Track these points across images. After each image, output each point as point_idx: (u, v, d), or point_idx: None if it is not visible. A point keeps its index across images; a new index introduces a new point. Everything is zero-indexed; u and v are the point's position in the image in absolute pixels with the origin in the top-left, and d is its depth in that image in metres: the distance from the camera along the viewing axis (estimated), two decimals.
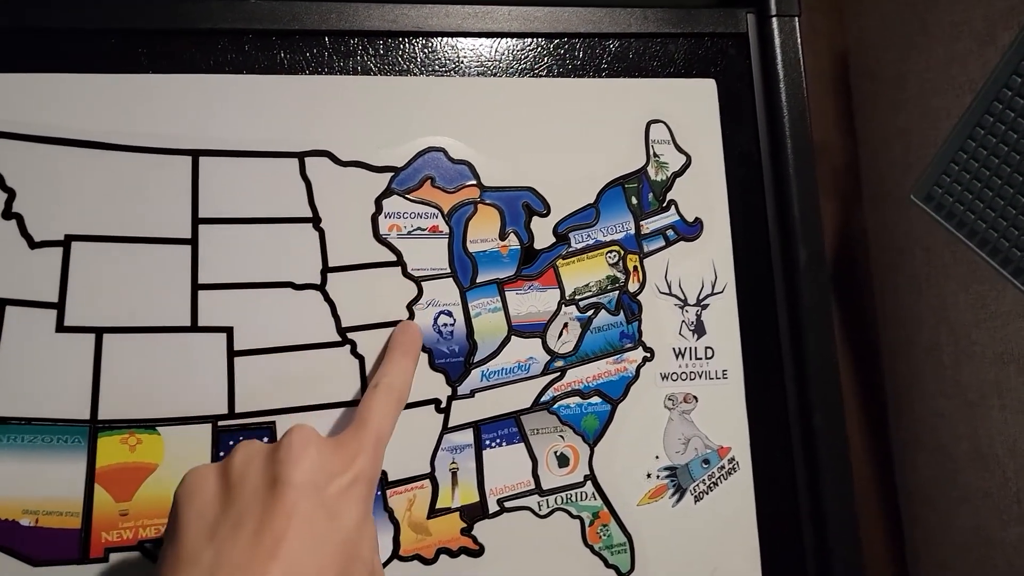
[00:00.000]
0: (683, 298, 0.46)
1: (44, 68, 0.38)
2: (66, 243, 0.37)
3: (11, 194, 0.37)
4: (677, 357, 0.46)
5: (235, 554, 0.27)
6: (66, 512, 0.37)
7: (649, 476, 0.45)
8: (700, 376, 0.46)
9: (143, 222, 0.38)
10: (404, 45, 0.44)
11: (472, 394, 0.42)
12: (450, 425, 0.42)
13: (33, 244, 0.37)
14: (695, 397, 0.46)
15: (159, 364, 0.38)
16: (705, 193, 0.47)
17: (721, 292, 0.47)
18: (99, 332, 0.37)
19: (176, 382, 0.38)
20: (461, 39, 0.44)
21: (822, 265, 0.48)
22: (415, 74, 0.44)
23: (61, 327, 0.37)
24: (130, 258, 0.38)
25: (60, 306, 0.37)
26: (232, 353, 0.39)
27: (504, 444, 0.43)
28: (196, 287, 0.39)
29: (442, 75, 0.44)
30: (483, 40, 0.45)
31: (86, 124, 0.38)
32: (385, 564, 0.40)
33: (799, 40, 0.50)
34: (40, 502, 0.37)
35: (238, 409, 0.39)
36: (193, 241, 0.39)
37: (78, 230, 0.37)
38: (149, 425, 0.38)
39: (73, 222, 0.37)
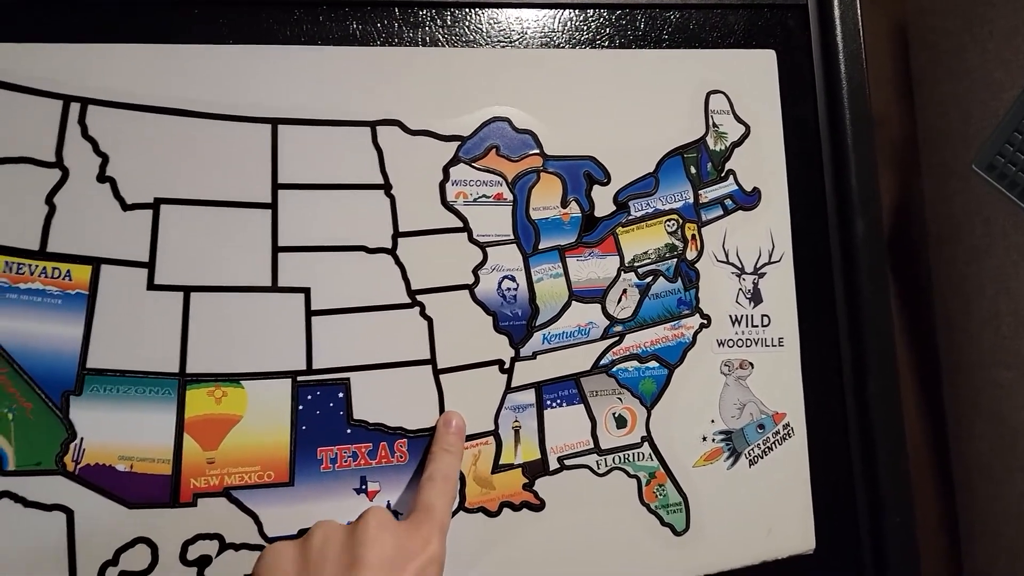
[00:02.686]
0: (740, 266, 0.47)
1: (133, 39, 0.40)
2: (155, 206, 0.39)
3: (105, 159, 0.39)
4: (733, 324, 0.47)
5: None
6: (158, 459, 0.39)
7: (704, 439, 0.46)
8: (756, 343, 0.47)
9: (227, 186, 0.40)
10: (471, 16, 0.45)
11: (534, 356, 0.44)
12: (513, 385, 0.44)
13: (125, 206, 0.39)
14: (751, 363, 0.47)
15: (242, 322, 0.40)
16: (764, 163, 0.48)
17: (778, 261, 0.48)
18: (187, 291, 0.40)
19: (258, 339, 0.40)
20: (526, 11, 0.45)
21: (879, 235, 0.48)
22: (481, 45, 0.45)
23: (152, 285, 0.39)
24: (215, 221, 0.40)
25: (151, 265, 0.39)
26: (309, 312, 0.41)
27: (564, 404, 0.44)
28: (276, 249, 0.41)
29: (507, 46, 0.45)
30: (547, 11, 0.46)
31: (173, 92, 0.40)
32: (452, 516, 0.42)
33: (859, 10, 0.50)
34: (134, 449, 0.39)
35: (315, 365, 0.41)
36: (273, 205, 0.41)
37: (166, 193, 0.40)
38: (234, 379, 0.40)
39: (162, 186, 0.39)
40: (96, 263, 0.39)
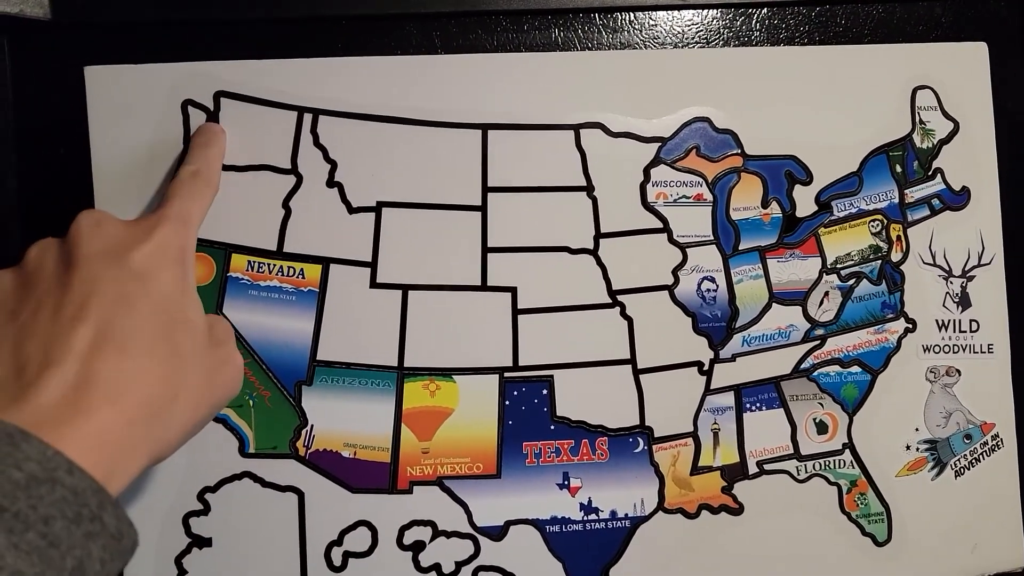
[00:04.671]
0: (947, 269, 0.45)
1: (358, 52, 0.42)
2: (378, 209, 0.42)
3: (333, 165, 0.42)
4: (940, 329, 0.45)
5: (39, 327, 0.26)
6: (378, 447, 0.42)
7: (908, 448, 0.45)
8: (964, 349, 0.45)
9: (441, 190, 0.42)
10: (668, 19, 0.45)
11: (733, 358, 0.44)
12: (712, 387, 0.43)
13: (351, 210, 0.42)
14: (958, 371, 0.45)
15: (454, 319, 0.42)
16: (973, 161, 0.46)
17: (988, 264, 0.46)
18: (405, 289, 0.42)
19: (469, 335, 0.42)
20: (723, 11, 0.45)
21: None
22: (679, 47, 0.45)
23: (374, 283, 0.42)
24: (430, 223, 0.42)
25: (373, 265, 0.42)
26: (516, 311, 0.42)
27: (764, 408, 0.44)
28: (485, 250, 0.42)
29: (705, 46, 0.45)
30: (743, 11, 0.45)
31: (393, 102, 0.42)
32: (650, 515, 0.43)
33: None
34: (357, 437, 0.42)
35: (521, 362, 0.42)
36: (483, 208, 0.42)
37: (388, 197, 0.42)
38: (447, 373, 0.42)
39: (383, 190, 0.42)
40: (326, 262, 0.41)
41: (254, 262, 0.41)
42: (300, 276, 0.41)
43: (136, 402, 0.26)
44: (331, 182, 0.42)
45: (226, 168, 0.41)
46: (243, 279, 0.41)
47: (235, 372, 0.33)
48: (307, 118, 0.41)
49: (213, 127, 0.40)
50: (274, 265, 0.41)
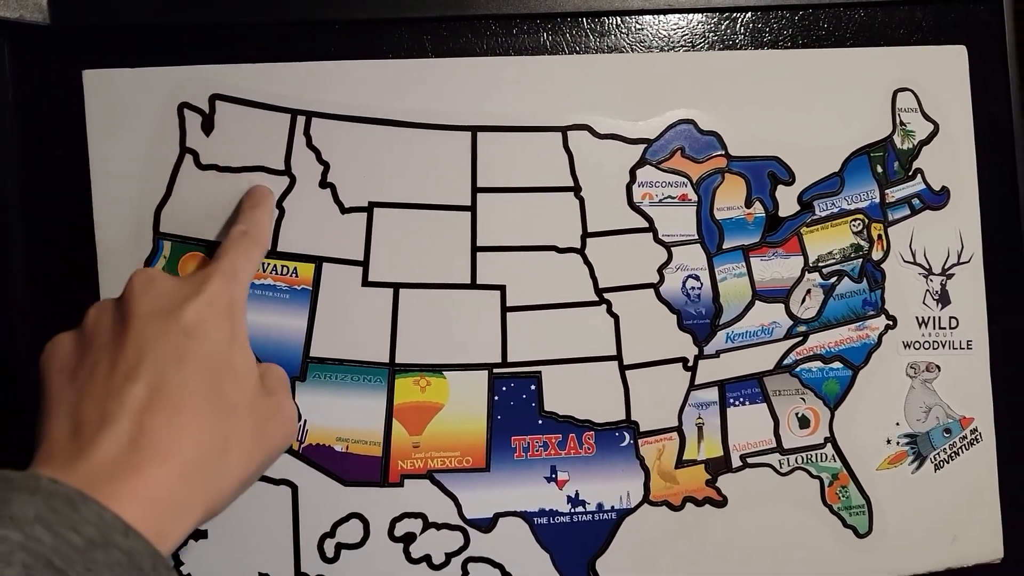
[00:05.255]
0: (927, 267, 0.46)
1: (350, 56, 0.43)
2: (369, 209, 0.43)
3: (326, 166, 0.43)
4: (920, 326, 0.46)
5: (96, 387, 0.27)
6: (370, 441, 0.43)
7: (889, 442, 0.46)
8: (944, 346, 0.46)
9: (432, 191, 0.43)
10: (655, 23, 0.46)
11: (717, 355, 0.45)
12: (697, 383, 0.45)
13: (344, 210, 0.43)
14: (938, 366, 0.46)
15: (444, 317, 0.43)
16: (953, 162, 0.47)
17: (967, 262, 0.47)
18: (396, 287, 0.43)
19: (458, 332, 0.43)
20: (707, 15, 0.46)
21: None
22: (665, 50, 0.46)
23: (366, 282, 0.43)
24: (421, 223, 0.43)
25: (365, 264, 0.43)
26: (505, 309, 0.43)
27: (747, 403, 0.45)
28: (475, 249, 0.43)
29: (690, 50, 0.46)
30: (728, 15, 0.46)
31: (384, 104, 0.43)
32: (636, 508, 0.44)
33: None
34: (349, 432, 0.43)
35: (510, 359, 0.43)
36: (472, 208, 0.43)
37: (379, 198, 0.43)
38: (437, 369, 0.43)
39: (375, 191, 0.43)
40: (319, 261, 0.42)
41: None
42: (294, 275, 0.42)
43: (187, 458, 0.27)
44: (324, 183, 0.42)
45: (221, 169, 0.42)
46: None
47: (287, 421, 0.34)
48: (300, 120, 0.42)
49: (262, 189, 0.41)
50: (268, 264, 0.42)
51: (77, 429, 0.26)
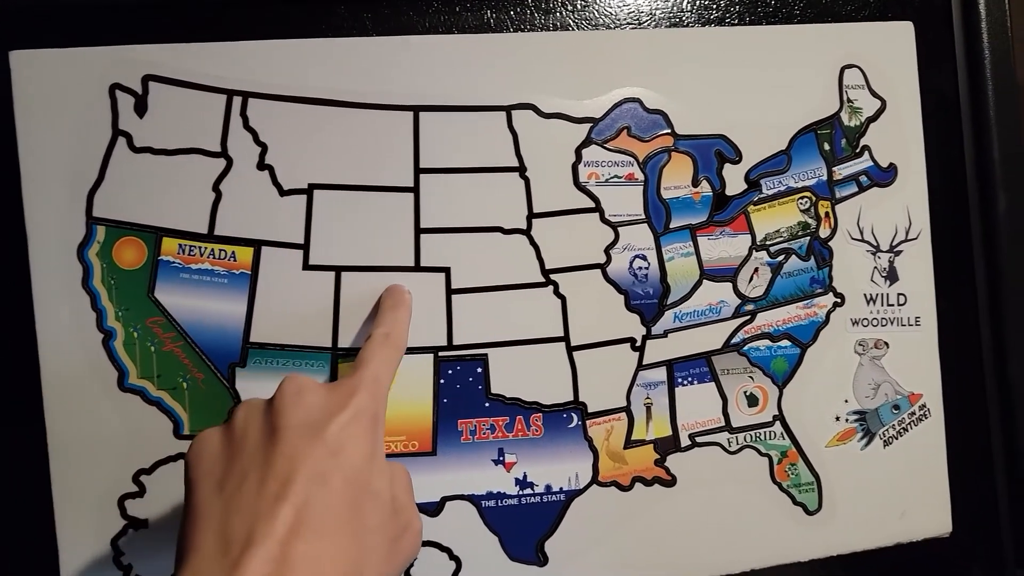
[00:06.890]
0: (875, 244, 0.46)
1: (288, 35, 0.42)
2: (309, 191, 0.42)
3: (264, 148, 0.42)
4: (868, 303, 0.46)
5: (244, 502, 0.28)
6: None
7: (838, 419, 0.46)
8: (892, 322, 0.46)
9: (373, 172, 0.42)
10: (601, 0, 0.45)
11: (665, 334, 0.44)
12: (645, 363, 0.44)
13: (282, 192, 0.42)
14: (886, 343, 0.46)
15: None
16: (900, 138, 0.47)
17: (915, 239, 0.47)
18: (338, 270, 0.42)
19: None
20: None
21: (1023, 210, 0.47)
22: (611, 28, 0.45)
23: (307, 265, 0.42)
24: (362, 204, 0.42)
25: (306, 247, 0.42)
26: (450, 291, 0.43)
27: (696, 382, 0.45)
28: (418, 231, 0.43)
29: (637, 27, 0.45)
30: None
31: (323, 84, 0.42)
32: (584, 489, 0.44)
33: None
34: None
35: (455, 341, 0.43)
36: (416, 189, 0.43)
37: (319, 179, 0.42)
38: None
39: (315, 172, 0.42)
40: (257, 245, 0.41)
41: (185, 245, 0.41)
42: (232, 259, 0.41)
43: None
44: (261, 165, 0.42)
45: (155, 152, 0.41)
46: (174, 262, 0.41)
47: (415, 538, 0.34)
48: (237, 101, 0.41)
49: (400, 289, 0.41)
50: (205, 248, 0.41)
51: (226, 546, 0.27)
